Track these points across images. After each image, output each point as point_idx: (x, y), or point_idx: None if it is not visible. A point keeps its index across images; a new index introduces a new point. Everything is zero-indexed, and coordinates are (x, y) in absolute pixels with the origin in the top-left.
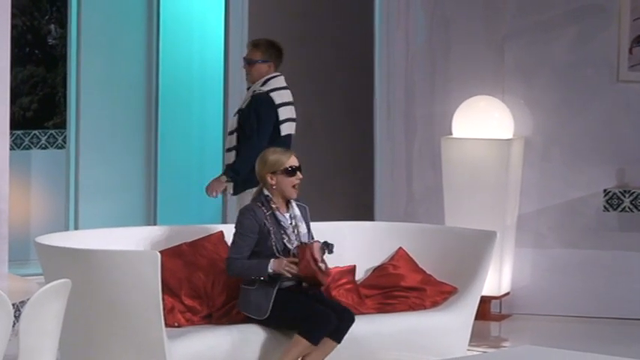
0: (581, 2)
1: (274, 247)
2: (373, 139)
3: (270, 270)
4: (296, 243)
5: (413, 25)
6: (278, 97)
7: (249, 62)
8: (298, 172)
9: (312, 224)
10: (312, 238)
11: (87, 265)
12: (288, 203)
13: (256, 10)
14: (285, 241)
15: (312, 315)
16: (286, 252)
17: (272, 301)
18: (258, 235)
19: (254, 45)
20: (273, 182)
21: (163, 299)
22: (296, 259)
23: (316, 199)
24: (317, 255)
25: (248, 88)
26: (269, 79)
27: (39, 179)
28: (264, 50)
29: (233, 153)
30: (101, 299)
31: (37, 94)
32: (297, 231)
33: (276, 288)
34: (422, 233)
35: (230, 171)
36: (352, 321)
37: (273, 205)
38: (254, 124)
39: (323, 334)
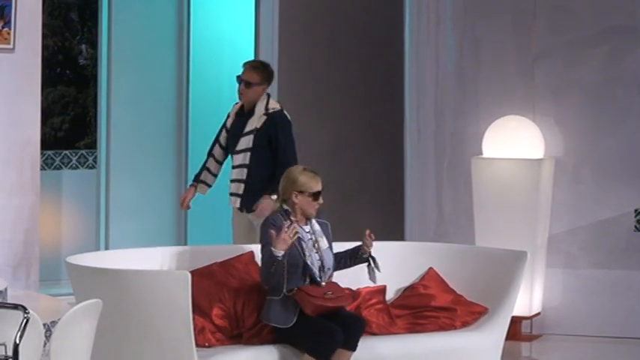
0: (611, 22)
1: (287, 258)
2: (403, 159)
3: (275, 251)
4: (316, 257)
5: (443, 46)
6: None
7: (247, 84)
8: (320, 197)
9: (344, 244)
10: (333, 254)
11: (118, 285)
12: (307, 219)
13: (286, 31)
14: (300, 253)
15: (318, 333)
16: (302, 264)
17: (297, 315)
18: None
19: (254, 67)
20: (297, 201)
21: (194, 319)
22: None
23: (346, 218)
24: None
25: (241, 108)
26: (269, 98)
27: (70, 199)
28: (263, 75)
29: (245, 170)
30: (132, 319)
31: (68, 114)
32: (318, 246)
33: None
34: (452, 253)
35: (273, 190)
36: (363, 327)
37: (293, 218)
38: (280, 138)
39: (330, 351)
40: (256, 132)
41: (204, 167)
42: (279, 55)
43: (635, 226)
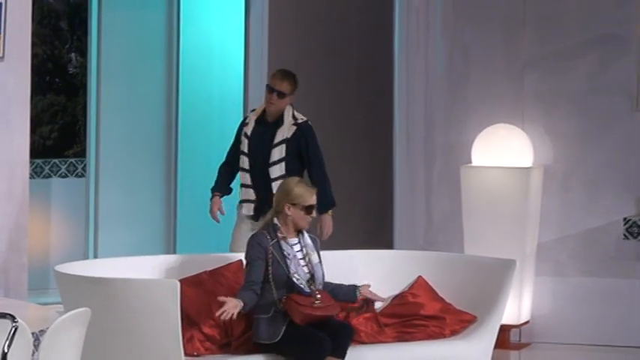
0: (599, 31)
1: (272, 276)
2: (393, 167)
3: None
4: (305, 270)
5: (432, 54)
6: None
7: (280, 94)
8: (314, 211)
9: (334, 253)
10: (323, 269)
11: (106, 293)
12: (298, 232)
13: (276, 39)
14: (285, 270)
15: (307, 342)
16: (288, 281)
17: (285, 326)
18: (266, 262)
19: (287, 77)
20: (289, 213)
21: (182, 328)
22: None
23: (335, 227)
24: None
25: (262, 115)
26: (293, 108)
27: (59, 208)
28: (294, 85)
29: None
30: (120, 328)
31: (57, 122)
32: (309, 259)
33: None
34: (441, 262)
35: (328, 204)
36: (351, 336)
37: (280, 235)
38: (311, 151)
39: (319, 359)
40: (287, 142)
41: (240, 185)
42: (268, 62)
43: (624, 235)
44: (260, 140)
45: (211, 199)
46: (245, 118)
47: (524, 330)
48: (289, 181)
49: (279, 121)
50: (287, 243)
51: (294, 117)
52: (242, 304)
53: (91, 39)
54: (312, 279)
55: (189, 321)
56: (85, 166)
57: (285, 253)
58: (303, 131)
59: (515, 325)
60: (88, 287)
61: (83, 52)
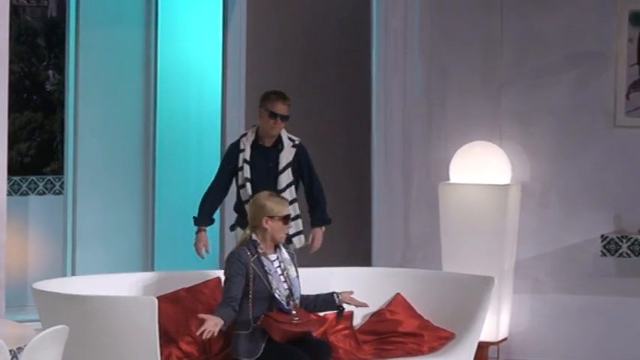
0: (578, 48)
1: (252, 291)
2: (371, 185)
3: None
4: (284, 286)
5: (410, 72)
6: None
7: (284, 118)
8: (290, 220)
9: (312, 270)
10: (299, 284)
11: (84, 311)
12: (276, 247)
13: (254, 55)
14: (267, 285)
15: (285, 359)
16: (269, 296)
17: (264, 343)
18: (246, 278)
19: (287, 100)
20: (268, 226)
21: (160, 345)
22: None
23: None
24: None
25: (255, 140)
26: (286, 130)
27: (36, 225)
28: (291, 106)
29: (296, 205)
30: (98, 345)
31: (35, 139)
32: (287, 274)
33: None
34: (419, 279)
35: (324, 220)
36: (328, 352)
37: (260, 250)
38: (311, 170)
39: None
40: (290, 165)
41: (237, 209)
42: (246, 80)
43: (602, 252)
44: (263, 166)
45: (197, 232)
46: (238, 144)
47: (502, 347)
48: (260, 196)
49: (277, 145)
50: (267, 259)
51: (290, 139)
52: (222, 322)
53: (69, 56)
54: (290, 295)
55: (167, 338)
56: (62, 183)
57: (266, 269)
58: (301, 152)
59: (493, 342)
60: (65, 304)
61: (61, 69)
